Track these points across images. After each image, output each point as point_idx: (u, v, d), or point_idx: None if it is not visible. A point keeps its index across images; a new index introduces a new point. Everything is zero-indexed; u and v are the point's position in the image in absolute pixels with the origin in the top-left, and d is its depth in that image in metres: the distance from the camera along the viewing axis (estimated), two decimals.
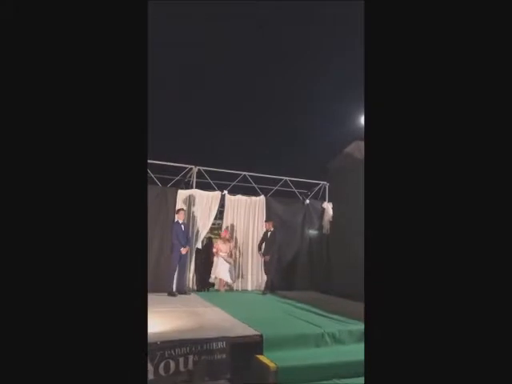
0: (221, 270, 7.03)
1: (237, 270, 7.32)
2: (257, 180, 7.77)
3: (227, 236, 7.30)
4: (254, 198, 7.71)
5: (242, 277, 7.36)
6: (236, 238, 7.45)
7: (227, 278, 7.07)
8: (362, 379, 3.47)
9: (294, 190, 8.02)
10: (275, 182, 7.92)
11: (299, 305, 5.47)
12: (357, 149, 7.61)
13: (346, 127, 10.84)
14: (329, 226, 7.81)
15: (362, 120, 11.49)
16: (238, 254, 7.46)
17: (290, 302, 5.81)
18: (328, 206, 7.98)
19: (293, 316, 4.70)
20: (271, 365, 3.36)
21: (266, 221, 7.23)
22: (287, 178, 7.93)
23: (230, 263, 7.09)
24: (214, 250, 7.12)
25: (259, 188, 7.80)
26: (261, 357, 3.57)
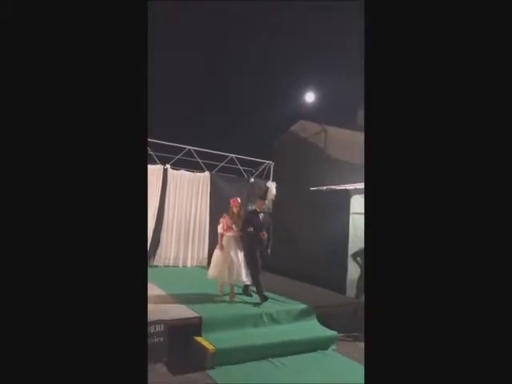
0: (231, 266, 4.50)
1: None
2: (202, 155, 7.56)
3: (237, 208, 4.72)
4: (198, 173, 7.53)
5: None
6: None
7: (243, 277, 4.57)
8: (296, 358, 3.68)
9: (240, 167, 7.96)
10: (221, 158, 7.77)
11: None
12: (301, 128, 7.70)
13: (292, 106, 10.87)
14: (271, 205, 7.93)
15: (308, 98, 11.58)
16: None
17: None
18: (272, 185, 8.07)
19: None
20: (210, 347, 3.39)
21: (259, 199, 5.07)
22: (233, 156, 7.81)
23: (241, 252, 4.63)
24: (220, 231, 4.68)
25: (204, 164, 7.61)
26: (199, 339, 3.58)
